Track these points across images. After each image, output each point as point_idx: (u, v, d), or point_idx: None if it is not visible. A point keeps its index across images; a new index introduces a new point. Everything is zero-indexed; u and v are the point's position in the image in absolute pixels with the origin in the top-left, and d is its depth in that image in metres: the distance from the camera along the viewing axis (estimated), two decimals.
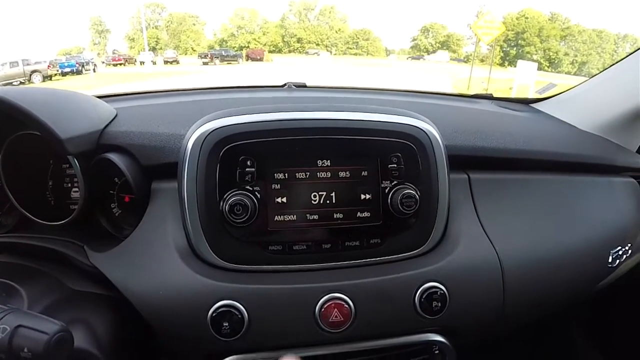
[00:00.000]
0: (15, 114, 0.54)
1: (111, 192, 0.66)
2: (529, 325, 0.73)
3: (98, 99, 0.72)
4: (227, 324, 0.52)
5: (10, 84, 13.49)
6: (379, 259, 0.59)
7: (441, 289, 0.58)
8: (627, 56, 0.87)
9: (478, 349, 0.69)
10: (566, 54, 41.99)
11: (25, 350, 0.37)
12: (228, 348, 0.56)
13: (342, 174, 0.56)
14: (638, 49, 0.84)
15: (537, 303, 0.69)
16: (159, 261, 0.56)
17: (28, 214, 0.64)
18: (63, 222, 0.63)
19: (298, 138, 0.55)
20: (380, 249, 0.58)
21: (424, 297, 0.57)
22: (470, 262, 0.61)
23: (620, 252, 0.76)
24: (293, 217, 0.55)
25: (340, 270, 0.57)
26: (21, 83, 13.83)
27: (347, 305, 0.55)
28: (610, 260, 0.74)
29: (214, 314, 0.52)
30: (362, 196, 0.57)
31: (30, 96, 0.59)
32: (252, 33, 47.05)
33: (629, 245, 0.78)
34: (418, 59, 40.28)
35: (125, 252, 0.59)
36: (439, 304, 0.57)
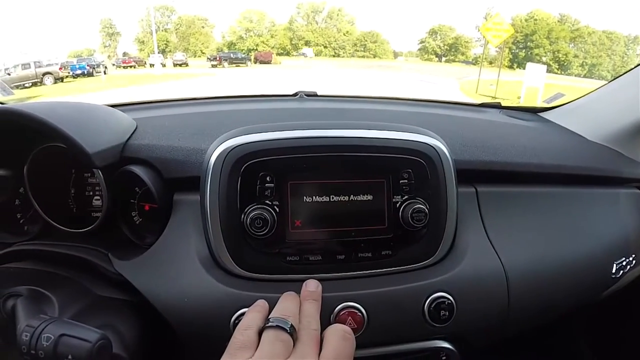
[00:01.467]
0: (44, 130, 0.57)
1: (132, 201, 0.69)
2: (534, 329, 0.74)
3: (118, 111, 0.75)
4: None
5: (23, 85, 13.64)
6: (390, 270, 0.61)
7: (449, 299, 0.60)
8: (635, 67, 0.88)
9: (483, 353, 0.71)
10: (576, 56, 41.47)
11: (70, 357, 0.40)
12: None
13: (356, 189, 0.58)
14: None
15: (541, 311, 0.71)
16: (183, 270, 0.59)
17: (52, 222, 0.67)
18: (86, 229, 0.66)
19: (315, 155, 0.58)
20: (392, 260, 0.60)
21: (432, 306, 0.59)
22: (476, 273, 0.63)
23: (624, 263, 0.77)
24: (309, 230, 0.58)
25: (354, 280, 0.59)
26: (33, 84, 13.96)
27: (360, 313, 0.57)
28: (614, 270, 0.75)
29: (236, 321, 0.55)
30: (375, 210, 0.59)
31: (57, 112, 0.62)
32: (261, 36, 47.12)
33: (634, 255, 0.79)
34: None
35: (149, 261, 0.61)
36: (447, 313, 0.59)
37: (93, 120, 0.66)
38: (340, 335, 0.42)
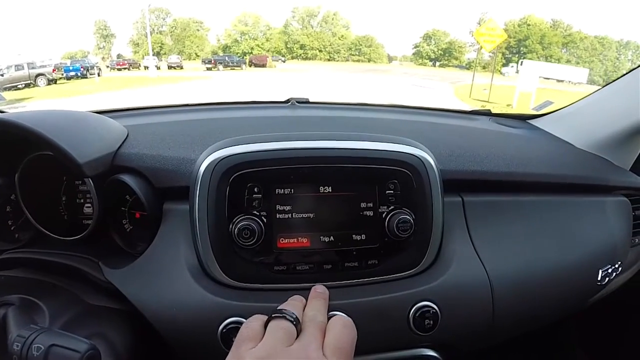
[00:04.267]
0: (34, 139, 0.58)
1: (123, 208, 0.69)
2: (522, 336, 0.75)
3: (109, 119, 0.75)
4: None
5: (15, 86, 13.54)
6: (376, 279, 0.62)
7: (433, 308, 0.60)
8: (624, 75, 0.89)
9: (470, 358, 0.71)
10: (568, 61, 41.88)
11: None
12: None
13: (342, 199, 0.59)
14: (635, 68, 0.86)
15: (526, 318, 0.72)
16: (172, 279, 0.59)
17: (43, 229, 0.67)
18: (77, 237, 0.66)
19: (303, 166, 0.58)
20: (377, 270, 0.61)
21: (417, 315, 0.60)
22: (461, 283, 0.64)
23: (609, 270, 0.78)
24: (296, 240, 0.58)
25: (340, 289, 0.60)
26: (26, 86, 13.87)
27: None
28: (599, 278, 0.76)
29: (223, 330, 0.55)
30: (361, 220, 0.60)
31: (48, 121, 0.61)
32: (256, 39, 47.10)
33: (619, 263, 0.80)
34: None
35: (139, 270, 0.61)
36: (431, 322, 0.60)
37: (83, 129, 0.66)
38: (341, 323, 0.44)
